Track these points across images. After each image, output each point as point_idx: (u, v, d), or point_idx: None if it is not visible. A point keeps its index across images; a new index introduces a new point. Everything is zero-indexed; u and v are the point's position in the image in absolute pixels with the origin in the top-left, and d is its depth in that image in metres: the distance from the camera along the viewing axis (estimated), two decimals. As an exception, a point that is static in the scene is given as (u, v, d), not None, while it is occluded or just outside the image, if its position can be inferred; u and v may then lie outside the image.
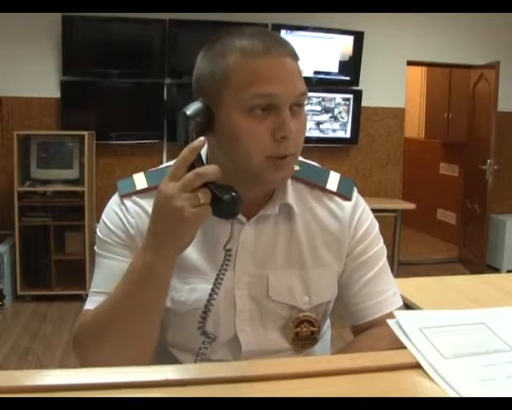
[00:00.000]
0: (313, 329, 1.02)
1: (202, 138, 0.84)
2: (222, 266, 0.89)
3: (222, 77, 0.88)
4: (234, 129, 0.88)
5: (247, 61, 0.87)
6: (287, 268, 1.00)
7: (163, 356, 1.04)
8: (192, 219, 0.80)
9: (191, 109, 0.88)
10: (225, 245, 0.89)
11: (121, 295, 0.87)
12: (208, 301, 0.90)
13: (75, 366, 0.74)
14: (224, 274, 0.90)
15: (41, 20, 4.27)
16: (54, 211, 4.13)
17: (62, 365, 3.11)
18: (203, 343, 0.91)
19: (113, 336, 0.87)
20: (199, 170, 0.81)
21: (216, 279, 0.90)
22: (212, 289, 0.90)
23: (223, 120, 0.89)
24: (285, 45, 0.90)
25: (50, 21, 4.28)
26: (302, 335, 1.02)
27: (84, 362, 0.91)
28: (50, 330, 3.66)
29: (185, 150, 0.83)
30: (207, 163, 0.95)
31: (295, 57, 0.91)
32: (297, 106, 0.90)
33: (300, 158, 1.05)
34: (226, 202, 0.82)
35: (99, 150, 4.44)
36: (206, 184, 0.81)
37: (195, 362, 0.91)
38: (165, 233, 0.83)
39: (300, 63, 0.92)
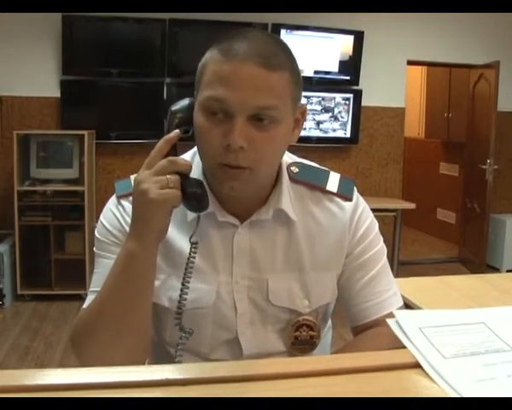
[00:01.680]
0: (312, 333, 1.02)
1: (177, 131, 0.89)
2: (188, 258, 0.91)
3: (198, 73, 0.90)
4: (195, 128, 0.90)
5: (215, 61, 0.86)
6: (286, 272, 1.00)
7: (162, 356, 1.04)
8: (158, 200, 0.83)
9: (177, 105, 0.94)
10: (191, 237, 0.91)
11: (108, 287, 0.88)
12: (180, 295, 0.91)
13: (75, 366, 0.74)
14: (191, 267, 0.91)
15: (41, 19, 4.26)
16: (53, 210, 4.13)
17: (62, 364, 3.11)
18: (180, 339, 0.92)
19: (105, 328, 0.88)
20: (171, 158, 0.86)
21: (184, 273, 0.91)
22: (183, 284, 0.91)
23: (194, 116, 0.90)
24: (265, 54, 0.84)
25: (50, 21, 4.28)
26: (301, 339, 1.02)
27: (81, 359, 0.92)
28: (50, 330, 3.66)
29: (160, 141, 0.88)
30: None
31: (274, 69, 0.84)
32: (262, 119, 0.85)
33: (299, 159, 1.05)
34: (189, 195, 0.87)
35: (99, 150, 4.44)
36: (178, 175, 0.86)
37: (176, 358, 0.92)
38: (139, 218, 0.86)
39: (283, 77, 0.86)
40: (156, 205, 0.83)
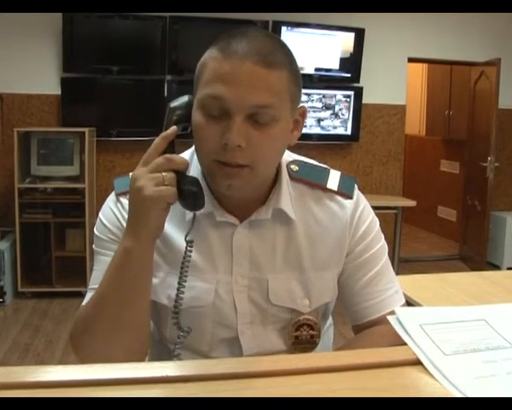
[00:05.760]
0: (313, 333, 1.02)
1: (174, 127, 0.89)
2: (184, 257, 0.91)
3: (197, 72, 0.90)
4: (193, 125, 0.90)
5: (214, 60, 0.86)
6: (286, 272, 0.99)
7: (163, 353, 1.05)
8: (153, 197, 0.83)
9: (175, 102, 0.93)
10: (186, 236, 0.91)
11: (106, 283, 0.89)
12: (177, 294, 0.91)
13: (76, 363, 0.74)
14: (187, 266, 0.91)
15: (42, 16, 4.26)
16: (54, 208, 4.14)
17: (63, 361, 3.11)
18: (178, 337, 0.92)
19: (102, 324, 0.88)
20: (168, 155, 0.86)
21: (181, 271, 0.91)
22: (179, 283, 0.91)
23: (192, 114, 0.90)
24: (263, 52, 0.84)
25: (51, 18, 4.28)
26: (302, 338, 1.01)
27: (79, 356, 0.92)
28: (51, 327, 3.66)
29: (157, 138, 0.88)
30: None
31: (272, 67, 0.84)
32: (260, 117, 0.85)
33: (299, 157, 1.05)
34: (185, 193, 0.86)
35: (99, 147, 4.44)
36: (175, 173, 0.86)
37: (174, 353, 0.92)
38: (135, 215, 0.86)
39: (282, 75, 0.85)
40: (151, 202, 0.83)
